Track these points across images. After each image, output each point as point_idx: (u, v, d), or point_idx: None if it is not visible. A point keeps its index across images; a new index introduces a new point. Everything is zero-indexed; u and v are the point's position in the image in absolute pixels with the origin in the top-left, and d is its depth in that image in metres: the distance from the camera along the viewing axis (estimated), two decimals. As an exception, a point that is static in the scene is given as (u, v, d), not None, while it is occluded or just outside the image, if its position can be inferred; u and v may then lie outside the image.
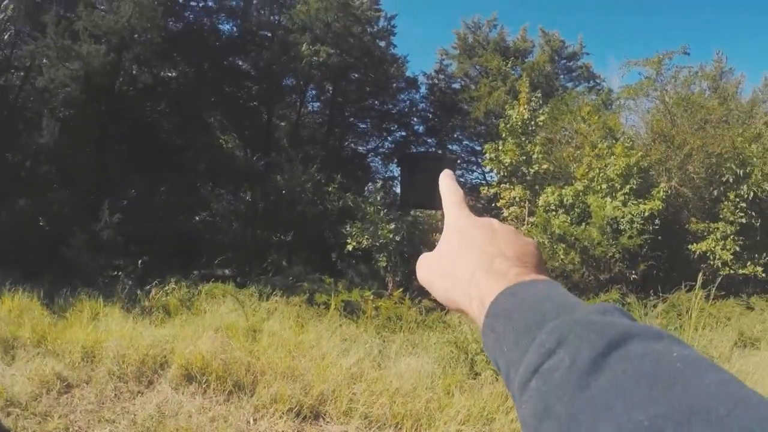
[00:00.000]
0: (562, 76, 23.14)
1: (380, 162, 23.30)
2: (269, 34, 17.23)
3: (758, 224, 11.74)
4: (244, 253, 12.17)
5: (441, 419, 4.66)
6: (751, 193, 11.51)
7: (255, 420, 4.56)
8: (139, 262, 9.58)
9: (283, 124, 19.15)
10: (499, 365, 0.46)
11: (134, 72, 15.53)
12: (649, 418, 0.33)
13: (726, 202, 11.75)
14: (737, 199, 11.63)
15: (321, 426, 4.63)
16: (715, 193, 12.14)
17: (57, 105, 13.07)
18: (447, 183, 0.68)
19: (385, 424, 4.65)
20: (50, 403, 4.62)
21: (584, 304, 0.45)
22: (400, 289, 9.47)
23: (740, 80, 18.59)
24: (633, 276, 10.98)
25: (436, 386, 5.25)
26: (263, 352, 5.54)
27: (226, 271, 11.43)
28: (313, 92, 20.29)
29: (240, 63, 17.74)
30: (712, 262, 11.19)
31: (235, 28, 17.50)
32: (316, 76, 17.78)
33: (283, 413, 4.57)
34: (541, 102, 14.29)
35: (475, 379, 5.69)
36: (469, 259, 0.54)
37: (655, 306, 8.74)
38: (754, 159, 11.94)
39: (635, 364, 0.36)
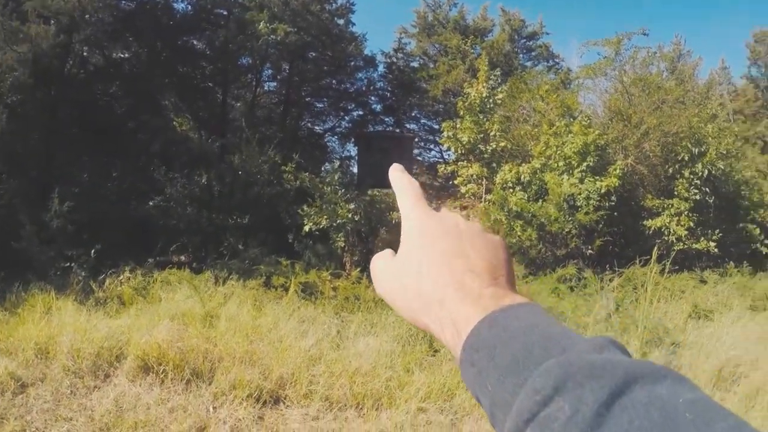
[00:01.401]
0: (521, 56, 23.37)
1: (337, 141, 23.18)
2: (225, 12, 16.77)
3: (712, 201, 12.13)
4: (199, 237, 11.96)
5: (402, 397, 4.72)
6: (706, 171, 11.87)
7: (215, 408, 4.53)
8: (92, 251, 9.30)
9: (238, 104, 18.79)
10: (480, 400, 0.43)
11: (85, 53, 14.98)
12: None
13: (681, 180, 12.08)
14: (692, 177, 11.97)
15: (281, 410, 4.63)
16: (671, 170, 12.45)
17: (4, 91, 12.51)
18: (399, 177, 0.61)
19: (345, 405, 4.69)
20: (5, 405, 4.49)
21: (572, 336, 0.41)
22: (358, 269, 9.49)
23: (698, 63, 19.25)
24: (589, 251, 11.20)
25: (395, 365, 5.31)
26: (220, 337, 5.50)
27: (182, 257, 11.24)
28: (270, 71, 19.92)
29: (195, 42, 17.24)
30: (666, 238, 11.48)
31: (189, 6, 16.93)
32: (273, 54, 17.43)
33: (242, 399, 4.57)
34: (499, 80, 14.39)
35: (434, 356, 5.78)
36: (437, 277, 0.49)
37: (611, 280, 8.93)
38: (709, 138, 12.34)
39: (641, 414, 0.33)
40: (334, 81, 20.72)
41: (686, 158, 12.08)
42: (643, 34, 14.20)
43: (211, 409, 4.50)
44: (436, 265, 0.50)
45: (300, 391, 4.74)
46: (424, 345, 5.94)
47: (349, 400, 4.71)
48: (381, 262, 0.57)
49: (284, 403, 4.71)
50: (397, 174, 0.61)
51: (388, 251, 0.58)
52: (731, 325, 7.13)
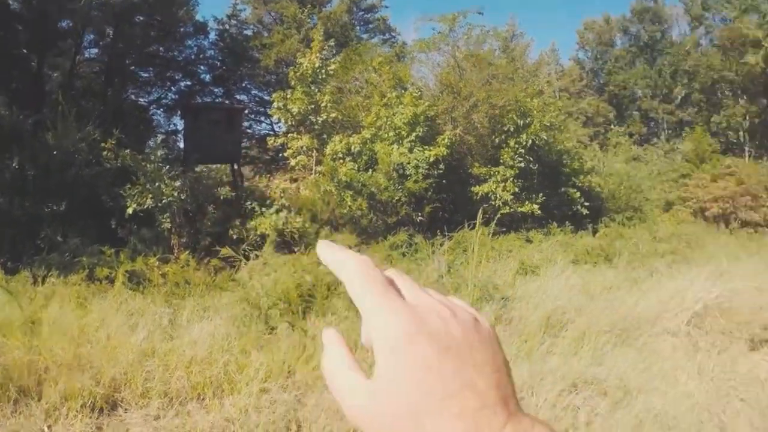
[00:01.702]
0: (358, 27, 23.77)
1: (163, 114, 22.25)
2: (44, -32, 14.91)
3: (536, 168, 13.46)
4: (12, 230, 10.79)
5: (242, 381, 4.66)
6: (530, 141, 13.16)
7: (49, 426, 4.18)
8: None
9: (55, 74, 17.13)
10: None
11: None
12: None
13: (507, 149, 13.25)
14: (517, 146, 13.16)
15: (121, 415, 4.39)
16: (497, 140, 13.58)
17: None
18: (337, 255, 0.45)
19: (186, 398, 4.54)
20: None
21: None
22: (187, 251, 9.28)
23: (529, 44, 21.03)
24: (420, 218, 11.89)
25: (232, 348, 5.22)
26: (44, 345, 5.10)
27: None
28: (92, 37, 18.31)
29: (9, 2, 15.15)
30: (493, 202, 12.52)
31: (2, -39, 14.78)
32: (96, 17, 16.00)
33: (77, 411, 4.25)
34: (334, 51, 14.56)
35: (271, 333, 5.78)
36: (444, 423, 0.38)
37: (441, 244, 9.53)
38: (534, 112, 13.62)
39: None
40: (161, 48, 19.66)
41: (512, 129, 13.27)
42: (478, 13, 15.11)
43: (45, 429, 4.16)
44: (438, 403, 0.39)
45: (136, 390, 4.54)
46: (260, 324, 5.91)
47: (188, 392, 4.58)
48: (352, 383, 0.42)
49: (122, 406, 4.47)
50: (330, 252, 0.45)
51: (344, 354, 0.44)
52: (556, 278, 7.69)
